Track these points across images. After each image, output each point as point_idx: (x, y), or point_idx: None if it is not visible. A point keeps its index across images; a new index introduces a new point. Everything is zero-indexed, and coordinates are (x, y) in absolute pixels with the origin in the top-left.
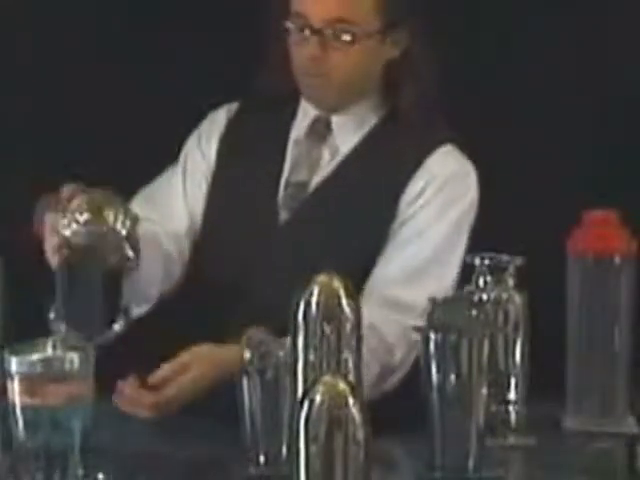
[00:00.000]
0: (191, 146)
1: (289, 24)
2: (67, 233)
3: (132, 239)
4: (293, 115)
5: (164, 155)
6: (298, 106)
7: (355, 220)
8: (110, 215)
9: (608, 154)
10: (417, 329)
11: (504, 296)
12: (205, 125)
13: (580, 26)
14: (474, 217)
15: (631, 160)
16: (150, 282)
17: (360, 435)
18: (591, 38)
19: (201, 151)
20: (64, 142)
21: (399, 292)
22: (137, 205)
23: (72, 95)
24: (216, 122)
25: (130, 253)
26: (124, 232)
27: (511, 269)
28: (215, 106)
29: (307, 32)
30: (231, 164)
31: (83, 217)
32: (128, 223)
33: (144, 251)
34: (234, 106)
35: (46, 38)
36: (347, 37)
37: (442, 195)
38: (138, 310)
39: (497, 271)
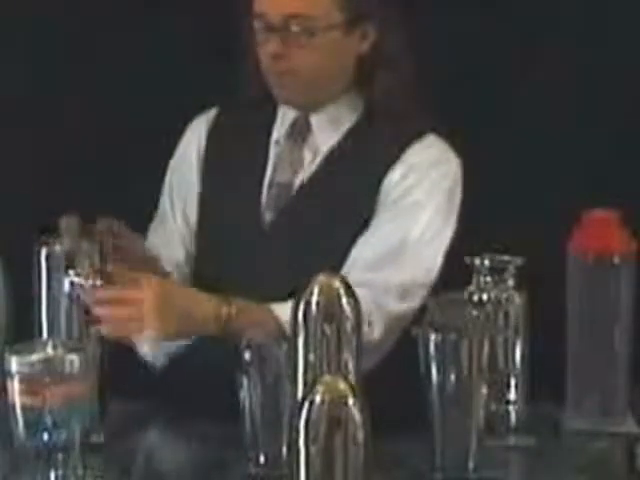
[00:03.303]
0: (174, 164)
1: (254, 25)
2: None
3: None
4: (273, 117)
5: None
6: (277, 107)
7: (340, 217)
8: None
9: (608, 154)
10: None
11: (504, 296)
12: (185, 137)
13: (579, 23)
14: (459, 203)
15: (631, 160)
16: None
17: (360, 435)
18: (591, 35)
19: (185, 165)
20: (63, 142)
21: (372, 274)
22: (150, 239)
23: (71, 95)
24: (196, 132)
25: None
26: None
27: (511, 269)
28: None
29: (268, 30)
30: (216, 171)
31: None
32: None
33: None
34: (212, 113)
35: (43, 39)
36: (306, 32)
37: (423, 183)
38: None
39: (497, 271)
